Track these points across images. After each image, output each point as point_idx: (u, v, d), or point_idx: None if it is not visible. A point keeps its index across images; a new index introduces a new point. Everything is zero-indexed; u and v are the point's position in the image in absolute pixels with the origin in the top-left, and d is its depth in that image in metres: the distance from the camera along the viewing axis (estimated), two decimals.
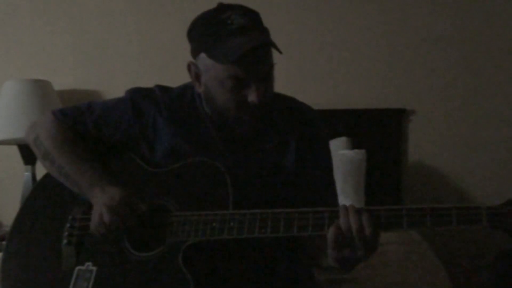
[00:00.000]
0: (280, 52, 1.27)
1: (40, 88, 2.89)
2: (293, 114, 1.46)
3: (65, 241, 1.37)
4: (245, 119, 1.34)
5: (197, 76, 1.37)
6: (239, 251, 1.31)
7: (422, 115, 3.04)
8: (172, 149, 1.40)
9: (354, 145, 2.88)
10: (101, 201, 1.31)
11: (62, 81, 3.12)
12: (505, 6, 3.01)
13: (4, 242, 1.48)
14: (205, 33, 1.30)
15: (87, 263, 1.33)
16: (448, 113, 3.03)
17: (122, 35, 3.18)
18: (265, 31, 1.33)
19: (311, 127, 1.46)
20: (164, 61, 3.11)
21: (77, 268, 1.33)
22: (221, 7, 1.31)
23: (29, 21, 3.21)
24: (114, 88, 3.01)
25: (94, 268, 1.32)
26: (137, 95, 1.46)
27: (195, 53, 1.35)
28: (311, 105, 1.52)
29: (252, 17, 1.31)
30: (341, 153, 2.75)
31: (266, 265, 1.37)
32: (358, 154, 2.78)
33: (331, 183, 1.48)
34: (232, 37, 1.26)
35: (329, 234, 1.17)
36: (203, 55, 1.32)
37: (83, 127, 1.46)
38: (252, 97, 1.29)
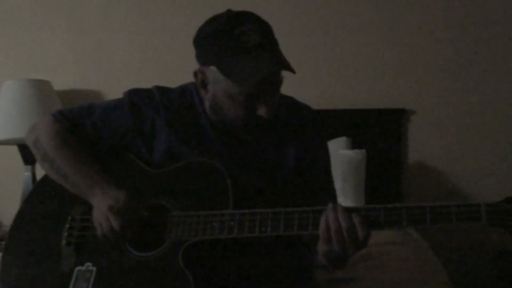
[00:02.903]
0: (294, 72, 1.27)
1: (40, 88, 2.89)
2: (292, 114, 1.46)
3: (64, 241, 1.37)
4: (252, 130, 1.35)
5: (203, 83, 1.36)
6: (239, 251, 1.31)
7: (422, 115, 3.04)
8: (171, 150, 1.40)
9: (354, 145, 2.88)
10: (105, 203, 1.30)
11: (62, 81, 3.12)
12: (505, 6, 3.01)
13: (4, 242, 1.47)
14: (217, 47, 1.28)
15: (86, 264, 1.33)
16: (448, 113, 3.03)
17: (122, 35, 3.18)
18: (278, 49, 1.32)
19: (310, 127, 1.46)
20: (164, 61, 3.10)
21: (77, 268, 1.33)
22: (232, 17, 1.28)
23: (29, 21, 3.21)
24: (114, 88, 3.02)
25: (94, 269, 1.32)
26: (135, 96, 1.45)
27: (204, 62, 1.33)
28: (311, 105, 1.52)
29: (266, 31, 1.29)
30: (341, 153, 2.75)
31: (266, 265, 1.37)
32: (358, 154, 2.78)
33: (329, 183, 1.48)
34: (248, 56, 1.25)
35: (320, 229, 1.17)
36: (213, 68, 1.30)
37: (82, 129, 1.46)
38: (262, 111, 1.30)
